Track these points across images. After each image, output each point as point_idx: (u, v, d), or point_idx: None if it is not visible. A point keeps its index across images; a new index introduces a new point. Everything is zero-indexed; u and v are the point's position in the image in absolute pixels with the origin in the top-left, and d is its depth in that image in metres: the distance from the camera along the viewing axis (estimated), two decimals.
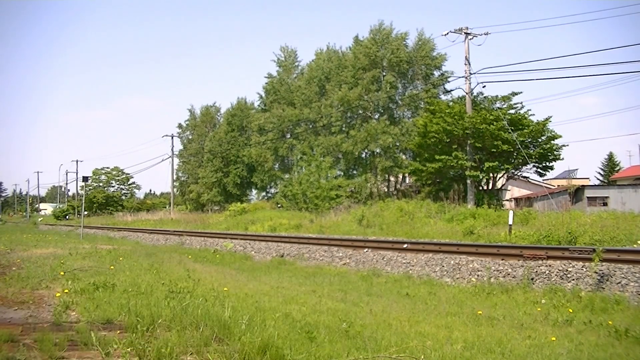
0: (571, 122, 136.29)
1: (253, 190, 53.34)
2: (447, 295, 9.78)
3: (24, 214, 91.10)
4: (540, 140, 28.15)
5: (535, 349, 6.04)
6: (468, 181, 28.01)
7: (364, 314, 7.71)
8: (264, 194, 51.59)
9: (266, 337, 4.93)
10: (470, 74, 27.49)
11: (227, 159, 51.33)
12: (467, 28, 27.66)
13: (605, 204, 30.27)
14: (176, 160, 56.67)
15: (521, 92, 48.37)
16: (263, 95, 49.52)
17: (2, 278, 9.25)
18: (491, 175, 29.36)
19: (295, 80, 47.44)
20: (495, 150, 26.96)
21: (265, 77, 49.23)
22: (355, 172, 40.46)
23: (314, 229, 24.60)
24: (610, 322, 7.19)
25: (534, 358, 5.68)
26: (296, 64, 49.68)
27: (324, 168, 35.31)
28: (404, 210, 24.74)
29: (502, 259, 11.26)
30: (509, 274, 10.57)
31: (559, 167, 69.41)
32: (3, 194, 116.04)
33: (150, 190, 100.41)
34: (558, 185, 40.89)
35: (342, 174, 40.22)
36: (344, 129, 39.37)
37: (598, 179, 60.68)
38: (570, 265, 9.96)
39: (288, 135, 45.82)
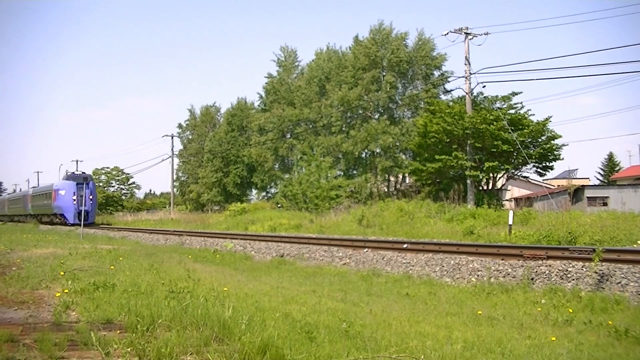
0: (571, 122, 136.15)
1: (253, 190, 53.38)
2: (447, 295, 9.78)
3: None
4: (540, 140, 28.18)
5: (535, 349, 6.04)
6: (468, 181, 28.03)
7: (364, 314, 7.71)
8: (264, 194, 51.63)
9: (266, 337, 4.94)
10: (470, 74, 27.51)
11: (227, 159, 51.32)
12: (467, 28, 27.69)
13: (605, 204, 30.28)
14: (176, 160, 56.71)
15: (521, 92, 48.42)
16: (263, 95, 49.57)
17: (2, 278, 9.26)
18: (491, 175, 29.39)
19: (295, 80, 47.46)
20: (495, 150, 26.98)
21: (265, 77, 49.33)
22: (355, 172, 40.49)
23: (314, 229, 24.60)
24: (610, 322, 7.19)
25: (534, 358, 5.68)
26: (296, 64, 49.72)
27: (324, 168, 35.31)
28: (404, 210, 24.73)
29: (502, 259, 11.26)
30: (509, 274, 10.57)
31: (559, 167, 69.46)
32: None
33: (150, 190, 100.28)
34: (558, 185, 40.92)
35: (342, 174, 40.24)
36: (344, 129, 39.39)
37: (598, 179, 60.71)
38: (570, 265, 9.96)
39: (288, 135, 45.84)
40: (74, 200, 41.26)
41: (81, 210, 38.41)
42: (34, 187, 59.53)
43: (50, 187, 45.41)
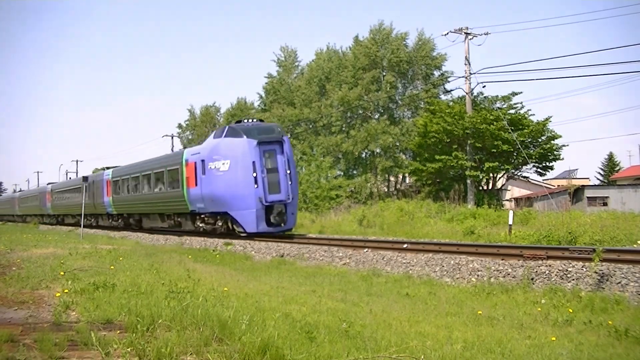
0: (571, 122, 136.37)
1: None
2: (447, 295, 9.77)
3: None
4: (540, 140, 28.23)
5: (535, 349, 6.04)
6: (468, 181, 28.06)
7: (364, 314, 7.71)
8: None
9: (266, 337, 4.94)
10: (470, 74, 27.52)
11: None
12: (467, 28, 27.73)
13: (605, 204, 30.32)
14: None
15: (521, 92, 48.47)
16: (263, 95, 49.59)
17: (2, 278, 9.26)
18: (491, 175, 29.43)
19: (295, 80, 47.49)
20: (495, 150, 27.02)
21: (265, 77, 49.38)
22: (355, 172, 40.53)
23: (314, 229, 24.59)
24: (610, 322, 7.19)
25: (534, 358, 5.68)
26: (296, 64, 49.76)
27: (324, 168, 35.36)
28: (404, 210, 24.74)
29: (502, 259, 11.25)
30: (509, 274, 10.56)
31: (559, 167, 69.40)
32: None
33: None
34: (558, 185, 40.95)
35: (342, 174, 40.28)
36: (344, 129, 39.44)
37: (598, 179, 60.72)
38: (570, 265, 9.96)
39: (288, 135, 45.85)
40: (255, 182, 17.93)
41: (273, 204, 18.07)
42: (115, 167, 32.00)
43: (179, 155, 22.73)
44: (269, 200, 18.05)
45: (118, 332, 5.39)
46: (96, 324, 5.72)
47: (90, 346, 4.86)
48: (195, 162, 20.30)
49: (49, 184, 47.98)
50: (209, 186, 19.34)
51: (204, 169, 19.52)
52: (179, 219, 23.57)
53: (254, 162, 17.89)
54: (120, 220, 30.32)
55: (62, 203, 39.53)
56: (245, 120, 19.80)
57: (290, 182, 18.34)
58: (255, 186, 17.87)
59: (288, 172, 18.33)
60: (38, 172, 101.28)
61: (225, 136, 19.19)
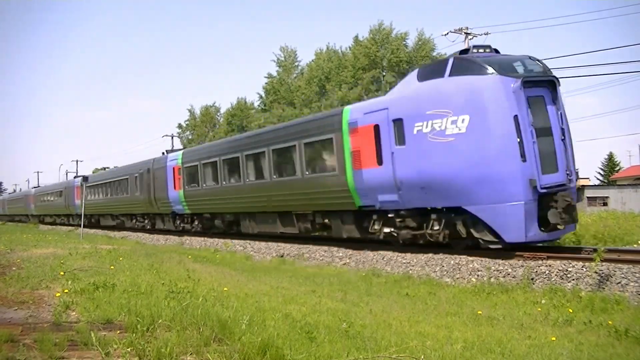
0: (571, 122, 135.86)
1: None
2: (447, 295, 9.78)
3: None
4: None
5: (535, 349, 6.04)
6: None
7: (364, 314, 7.71)
8: None
9: (266, 337, 4.95)
10: None
11: None
12: (467, 28, 27.70)
13: (605, 204, 30.34)
14: None
15: None
16: (263, 95, 49.61)
17: (2, 278, 9.26)
18: None
19: (295, 80, 47.51)
20: None
21: (265, 77, 49.40)
22: None
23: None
24: (610, 322, 7.19)
25: (534, 358, 5.68)
26: (296, 64, 49.79)
27: None
28: None
29: (502, 259, 11.25)
30: (509, 274, 10.55)
31: None
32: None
33: None
34: None
35: None
36: None
37: (598, 179, 60.72)
38: (570, 265, 9.96)
39: None
40: (522, 154, 9.79)
41: (552, 192, 10.14)
42: (185, 149, 25.52)
43: (333, 117, 14.35)
44: (544, 184, 10.17)
45: (118, 332, 5.39)
46: (96, 324, 5.73)
47: (90, 346, 4.86)
48: (375, 125, 12.53)
49: (76, 177, 40.69)
50: (415, 163, 11.47)
51: (402, 134, 11.76)
52: (325, 220, 15.27)
53: (516, 118, 10.02)
54: (197, 223, 22.24)
55: (99, 201, 31.66)
56: (475, 50, 11.58)
57: (569, 153, 10.81)
58: (522, 160, 9.99)
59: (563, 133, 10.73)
60: (38, 172, 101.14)
61: (450, 74, 11.08)
